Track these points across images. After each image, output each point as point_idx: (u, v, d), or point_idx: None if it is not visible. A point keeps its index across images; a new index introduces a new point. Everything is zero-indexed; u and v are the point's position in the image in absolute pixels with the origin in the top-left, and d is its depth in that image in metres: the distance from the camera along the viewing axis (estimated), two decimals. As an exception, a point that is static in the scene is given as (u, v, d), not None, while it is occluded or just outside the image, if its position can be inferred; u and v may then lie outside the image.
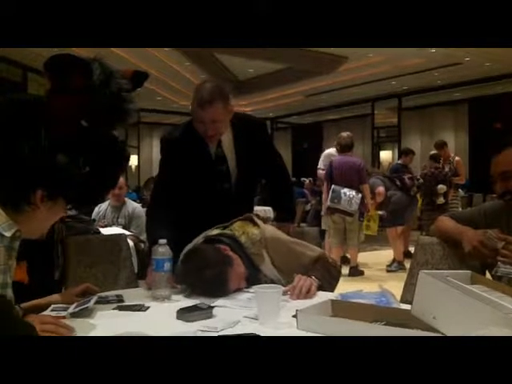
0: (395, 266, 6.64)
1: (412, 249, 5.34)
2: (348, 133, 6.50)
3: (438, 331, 1.26)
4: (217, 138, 2.26)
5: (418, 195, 7.04)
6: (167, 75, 9.79)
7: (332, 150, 6.78)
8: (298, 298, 1.77)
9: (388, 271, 6.60)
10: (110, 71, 1.65)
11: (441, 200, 6.70)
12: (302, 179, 11.09)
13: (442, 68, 9.00)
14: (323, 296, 1.77)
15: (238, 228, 2.04)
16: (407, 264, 5.16)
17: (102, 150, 1.85)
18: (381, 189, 6.52)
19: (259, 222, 2.06)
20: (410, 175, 6.91)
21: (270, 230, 2.06)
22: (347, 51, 8.08)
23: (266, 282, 1.87)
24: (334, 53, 8.19)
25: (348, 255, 6.46)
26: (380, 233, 6.92)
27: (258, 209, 2.44)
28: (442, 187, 6.67)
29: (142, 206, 5.15)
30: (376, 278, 6.21)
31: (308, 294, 1.79)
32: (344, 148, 6.25)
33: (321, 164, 6.79)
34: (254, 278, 1.93)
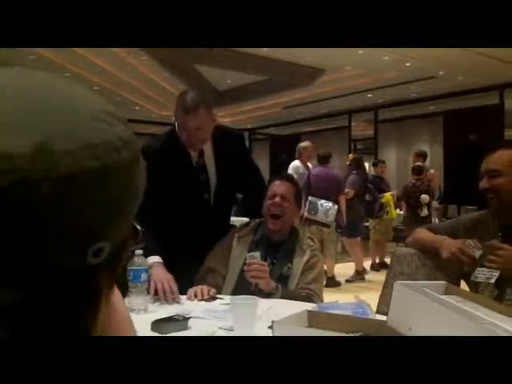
0: (352, 277, 6.74)
1: (388, 260, 5.39)
2: (310, 143, 6.71)
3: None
4: (199, 146, 2.25)
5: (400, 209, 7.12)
6: (146, 85, 9.76)
7: (297, 162, 6.73)
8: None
9: (347, 281, 6.64)
10: None
11: (425, 212, 6.71)
12: None
13: (417, 81, 9.14)
14: (300, 307, 1.77)
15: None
16: (383, 274, 5.18)
17: None
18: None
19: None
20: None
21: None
22: (324, 64, 8.15)
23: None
24: (311, 65, 8.26)
25: (325, 266, 6.48)
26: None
27: (235, 219, 2.43)
28: (425, 197, 6.70)
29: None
30: (353, 289, 6.23)
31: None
32: (321, 159, 6.29)
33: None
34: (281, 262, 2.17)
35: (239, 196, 2.92)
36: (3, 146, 0.37)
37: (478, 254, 1.79)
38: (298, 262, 2.17)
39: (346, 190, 6.49)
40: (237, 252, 2.21)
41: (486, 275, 1.76)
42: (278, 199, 2.22)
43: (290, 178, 2.38)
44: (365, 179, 6.98)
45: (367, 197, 6.91)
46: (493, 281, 1.74)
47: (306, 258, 2.19)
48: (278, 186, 2.27)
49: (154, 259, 2.05)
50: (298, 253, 2.20)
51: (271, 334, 1.42)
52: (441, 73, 8.45)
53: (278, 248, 2.22)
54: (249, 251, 2.17)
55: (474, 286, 1.84)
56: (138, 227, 0.51)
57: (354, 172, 6.81)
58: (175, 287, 1.99)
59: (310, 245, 2.25)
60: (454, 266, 1.88)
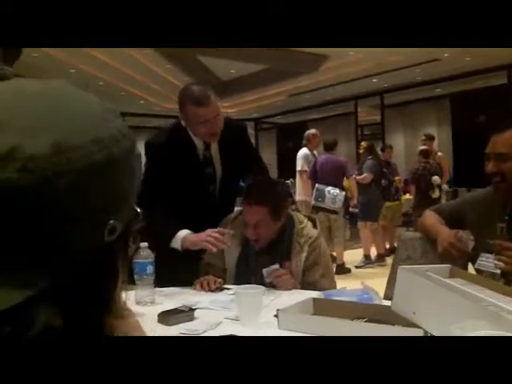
0: (362, 262, 6.75)
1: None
2: (313, 130, 6.74)
3: (418, 326, 1.26)
4: (218, 136, 2.24)
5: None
6: (149, 78, 9.74)
7: (306, 150, 6.72)
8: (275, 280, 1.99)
9: (356, 267, 6.64)
10: None
11: (436, 193, 6.71)
12: (291, 180, 10.98)
13: (422, 64, 9.06)
14: (305, 294, 1.77)
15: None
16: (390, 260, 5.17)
17: None
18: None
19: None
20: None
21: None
22: (328, 50, 8.09)
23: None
24: (314, 52, 8.20)
25: (334, 253, 6.48)
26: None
27: (239, 209, 2.43)
28: (436, 178, 6.70)
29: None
30: (363, 275, 6.22)
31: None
32: (327, 146, 6.29)
33: (304, 166, 6.70)
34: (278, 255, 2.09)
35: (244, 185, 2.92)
36: (26, 148, 0.42)
37: (470, 245, 1.78)
38: (298, 260, 2.06)
39: (364, 175, 6.58)
40: (231, 244, 2.15)
41: (491, 265, 1.74)
42: (250, 230, 2.06)
43: (260, 198, 2.06)
44: (380, 164, 7.00)
45: (383, 182, 6.92)
46: (498, 271, 1.72)
47: (304, 254, 2.06)
48: (248, 214, 2.07)
49: (184, 232, 2.14)
50: (295, 249, 2.08)
51: (276, 323, 1.43)
52: (446, 55, 8.36)
53: (272, 249, 2.10)
54: (242, 244, 2.15)
55: (479, 272, 1.82)
56: (138, 209, 0.58)
57: (369, 157, 6.84)
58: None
59: (308, 237, 2.10)
60: (447, 260, 1.85)
